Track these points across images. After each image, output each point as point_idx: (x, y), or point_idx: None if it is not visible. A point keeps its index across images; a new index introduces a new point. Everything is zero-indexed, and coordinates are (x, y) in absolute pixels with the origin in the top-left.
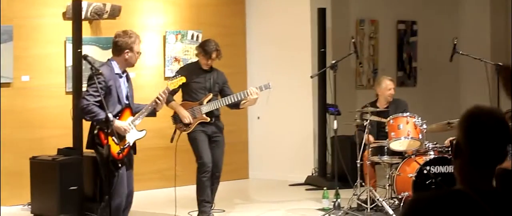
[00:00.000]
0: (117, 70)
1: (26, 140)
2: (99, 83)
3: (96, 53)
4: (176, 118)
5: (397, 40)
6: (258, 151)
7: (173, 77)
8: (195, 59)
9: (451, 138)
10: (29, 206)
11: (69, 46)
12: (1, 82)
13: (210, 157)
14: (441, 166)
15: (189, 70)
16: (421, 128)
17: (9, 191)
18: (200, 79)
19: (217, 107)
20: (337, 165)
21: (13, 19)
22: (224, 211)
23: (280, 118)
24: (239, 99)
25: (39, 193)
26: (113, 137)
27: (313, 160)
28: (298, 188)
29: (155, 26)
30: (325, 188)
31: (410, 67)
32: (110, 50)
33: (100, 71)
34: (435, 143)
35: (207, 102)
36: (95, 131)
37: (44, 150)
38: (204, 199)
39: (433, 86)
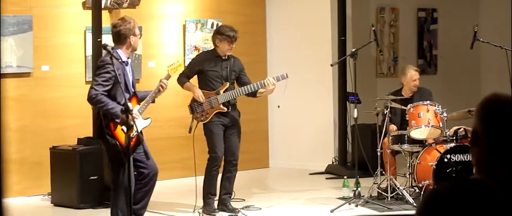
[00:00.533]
0: (123, 58)
1: (46, 130)
2: (108, 72)
3: None
4: (193, 107)
5: (418, 27)
6: (278, 140)
7: (171, 64)
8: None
9: (456, 127)
10: (49, 196)
11: (89, 36)
12: (21, 72)
13: (223, 151)
14: (461, 155)
15: (205, 59)
16: (442, 116)
17: (29, 181)
18: (217, 67)
19: (234, 97)
20: (357, 153)
21: (32, 8)
22: (244, 200)
23: (300, 107)
24: (256, 89)
25: (59, 183)
26: (123, 127)
27: (333, 148)
28: (318, 177)
29: (174, 15)
30: (345, 177)
31: (430, 55)
32: None
33: (119, 61)
34: (459, 127)
35: (224, 92)
36: (105, 121)
37: (64, 139)
38: (210, 192)
39: (453, 74)
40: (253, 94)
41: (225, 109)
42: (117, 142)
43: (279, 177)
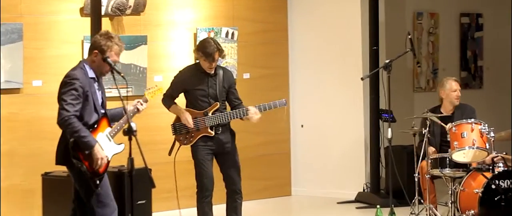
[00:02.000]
0: (91, 73)
1: (37, 154)
2: (76, 89)
3: None
4: (176, 128)
5: (460, 35)
6: (301, 164)
7: (150, 88)
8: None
9: (492, 155)
10: None
11: (87, 46)
12: (9, 87)
13: (212, 177)
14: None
15: (189, 76)
16: (488, 136)
17: (19, 211)
18: (202, 85)
19: (222, 121)
20: (392, 179)
21: (23, 16)
22: None
23: (326, 126)
24: (237, 117)
25: (52, 214)
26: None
27: (364, 173)
28: (348, 206)
29: (184, 23)
30: (378, 206)
31: (475, 66)
32: (134, 51)
33: (122, 74)
34: (504, 153)
35: (212, 113)
36: (71, 142)
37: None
38: None
39: (501, 88)
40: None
41: (212, 133)
42: (84, 166)
43: (303, 207)
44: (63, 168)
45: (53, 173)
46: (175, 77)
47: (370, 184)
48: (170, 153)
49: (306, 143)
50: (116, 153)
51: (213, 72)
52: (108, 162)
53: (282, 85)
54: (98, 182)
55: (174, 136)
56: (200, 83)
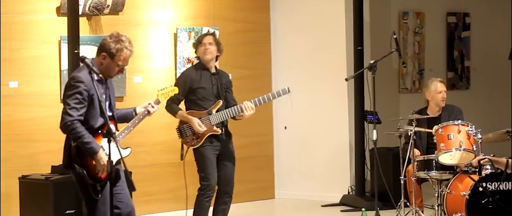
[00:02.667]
0: (98, 76)
1: (14, 157)
2: (80, 93)
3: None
4: (182, 131)
5: (447, 35)
6: (285, 166)
7: (164, 88)
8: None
9: (479, 157)
10: None
11: (64, 47)
12: None
13: (216, 179)
14: (499, 183)
15: (193, 75)
16: (476, 138)
17: None
18: (207, 83)
19: (227, 118)
20: (377, 182)
21: None
22: None
23: (310, 128)
24: (232, 115)
25: None
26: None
27: (349, 176)
28: (332, 209)
29: (164, 22)
30: (363, 209)
31: (462, 66)
32: None
33: (101, 76)
34: (492, 155)
35: (216, 111)
36: (73, 144)
37: (35, 167)
38: None
39: (489, 88)
40: (233, 117)
41: (219, 131)
42: (85, 172)
43: (286, 210)
44: (41, 171)
45: (30, 176)
46: (178, 78)
47: (355, 187)
48: (182, 158)
49: (290, 145)
50: (121, 158)
51: (215, 70)
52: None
53: (264, 86)
54: (99, 188)
55: (180, 139)
56: (205, 81)
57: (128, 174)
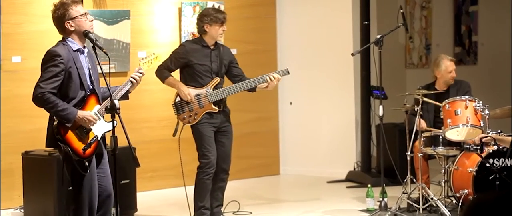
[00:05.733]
0: (75, 46)
1: (17, 132)
2: (56, 66)
3: (100, 29)
4: (178, 107)
5: (454, 9)
6: (290, 142)
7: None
8: None
9: (482, 135)
10: (22, 210)
11: None
12: None
13: (216, 155)
14: (507, 159)
15: (192, 49)
16: (483, 113)
17: None
18: (205, 60)
19: (228, 95)
20: (383, 158)
21: None
22: (251, 213)
23: (316, 104)
24: (255, 85)
25: (33, 194)
26: (77, 131)
27: (355, 152)
28: (338, 186)
29: None
30: (369, 186)
31: (469, 41)
32: (117, 26)
33: (104, 50)
34: (499, 131)
35: (214, 88)
36: (55, 123)
37: (39, 143)
38: (204, 206)
39: (496, 64)
40: (252, 89)
41: (217, 109)
42: (70, 149)
43: (291, 186)
44: (44, 147)
45: (33, 152)
46: (177, 49)
47: (360, 163)
48: (174, 134)
49: (295, 121)
50: (107, 131)
51: (215, 45)
52: (97, 141)
53: (270, 61)
54: (86, 164)
55: (176, 116)
56: (204, 57)
57: (132, 150)
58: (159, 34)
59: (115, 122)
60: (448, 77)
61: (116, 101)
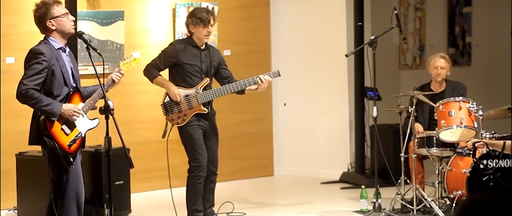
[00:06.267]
0: (57, 44)
1: (11, 133)
2: (39, 63)
3: (94, 30)
4: (167, 107)
5: (448, 11)
6: (284, 143)
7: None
8: None
9: (474, 140)
10: (16, 211)
11: None
12: None
13: (206, 158)
14: (500, 160)
15: (182, 49)
16: (477, 114)
17: None
18: (195, 60)
19: (218, 96)
20: (377, 159)
21: None
22: (245, 214)
23: (310, 105)
24: (245, 87)
25: (27, 195)
26: (63, 126)
27: (349, 153)
28: (332, 186)
29: None
30: (363, 186)
31: (463, 43)
32: (111, 27)
33: (98, 51)
34: (493, 132)
35: (203, 89)
36: (41, 118)
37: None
38: (197, 209)
39: (490, 65)
40: (241, 91)
41: (206, 110)
42: (56, 144)
43: (285, 187)
44: (38, 148)
45: (27, 153)
46: (167, 48)
47: (354, 164)
48: (164, 136)
49: (289, 122)
50: (91, 128)
51: (205, 46)
52: (82, 139)
53: (264, 62)
54: (71, 159)
55: (165, 117)
56: (194, 57)
57: (126, 151)
58: (153, 35)
59: (108, 122)
60: (433, 73)
61: (110, 102)
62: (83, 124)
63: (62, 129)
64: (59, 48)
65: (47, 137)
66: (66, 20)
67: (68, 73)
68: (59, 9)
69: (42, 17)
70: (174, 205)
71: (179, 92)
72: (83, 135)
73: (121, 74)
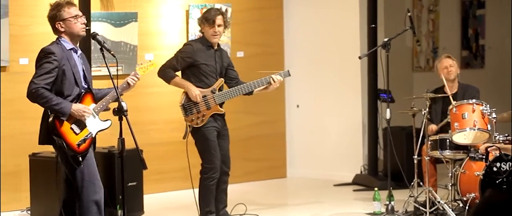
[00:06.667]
0: (68, 45)
1: (24, 134)
2: (50, 63)
3: (108, 31)
4: (187, 108)
5: (462, 13)
6: (297, 145)
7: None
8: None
9: (487, 144)
10: (29, 212)
11: None
12: None
13: (220, 160)
14: None
15: (198, 49)
16: (490, 117)
17: (6, 194)
18: (210, 60)
19: (233, 96)
20: (390, 161)
21: None
22: None
23: (323, 107)
24: (258, 87)
25: (40, 196)
26: (72, 126)
27: (361, 155)
28: (345, 189)
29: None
30: (376, 189)
31: (476, 45)
32: (124, 28)
33: (112, 52)
34: (506, 135)
35: (219, 89)
36: (50, 119)
37: (45, 145)
38: (210, 210)
39: (504, 67)
40: (250, 92)
41: (223, 110)
42: (64, 143)
43: (298, 189)
44: (51, 149)
45: (41, 153)
46: (183, 48)
47: (367, 166)
48: (185, 137)
49: (302, 124)
50: (102, 130)
51: (217, 45)
52: (93, 139)
53: (277, 63)
54: (80, 159)
55: (185, 117)
56: (209, 58)
57: (139, 152)
58: (167, 36)
59: (122, 124)
60: (444, 73)
61: (123, 104)
62: (94, 124)
63: (72, 129)
64: (70, 49)
65: (56, 136)
66: (75, 23)
67: (80, 74)
68: (70, 11)
69: (52, 18)
70: (197, 205)
71: (199, 93)
72: (93, 136)
73: (137, 78)
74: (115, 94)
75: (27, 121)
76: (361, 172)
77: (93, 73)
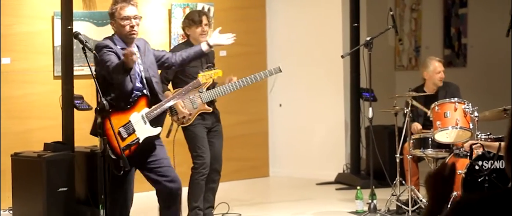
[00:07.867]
0: (120, 45)
1: (6, 134)
2: (108, 48)
3: (90, 30)
4: (172, 109)
5: (444, 12)
6: (280, 144)
7: (206, 68)
8: None
9: (471, 142)
10: (11, 212)
11: (58, 23)
12: None
13: (210, 156)
14: (495, 161)
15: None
16: (472, 115)
17: None
18: (196, 62)
19: (221, 95)
20: (373, 160)
21: None
22: (240, 215)
23: (305, 106)
24: (247, 84)
25: (22, 196)
26: (120, 129)
27: (344, 154)
28: (327, 188)
29: None
30: (358, 188)
31: (459, 44)
32: (106, 27)
33: (94, 52)
34: (488, 133)
35: (207, 89)
36: (99, 120)
37: (28, 145)
38: (198, 206)
39: (486, 66)
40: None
41: (210, 109)
42: (108, 145)
43: (281, 188)
44: (34, 148)
45: (23, 153)
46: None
47: (350, 165)
48: (168, 135)
49: (285, 123)
50: (150, 136)
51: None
52: (138, 144)
53: (259, 63)
54: (121, 165)
55: (170, 117)
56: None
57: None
58: (149, 36)
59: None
60: (436, 78)
61: (105, 102)
62: (143, 130)
63: (119, 133)
64: (122, 49)
65: (101, 137)
66: (124, 26)
67: (135, 72)
68: (121, 12)
69: (109, 15)
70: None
71: (187, 111)
72: (140, 142)
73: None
74: (170, 99)
75: (12, 121)
76: (343, 171)
77: (75, 72)
